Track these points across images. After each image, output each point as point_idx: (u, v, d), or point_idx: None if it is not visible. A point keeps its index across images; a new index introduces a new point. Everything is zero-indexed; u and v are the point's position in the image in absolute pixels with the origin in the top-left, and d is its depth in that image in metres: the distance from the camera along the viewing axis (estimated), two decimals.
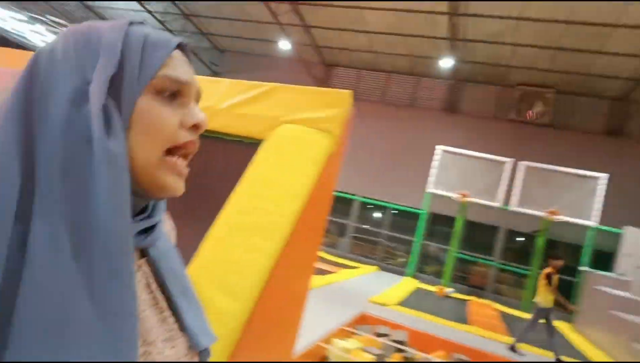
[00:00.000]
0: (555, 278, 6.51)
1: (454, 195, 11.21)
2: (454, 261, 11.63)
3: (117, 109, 0.47)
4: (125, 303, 0.42)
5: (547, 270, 6.57)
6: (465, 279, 13.17)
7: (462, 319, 7.96)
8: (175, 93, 0.51)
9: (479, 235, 13.52)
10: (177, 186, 0.51)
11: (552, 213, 10.51)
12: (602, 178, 10.68)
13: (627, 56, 11.10)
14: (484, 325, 7.65)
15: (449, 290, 10.57)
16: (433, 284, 11.36)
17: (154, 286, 0.53)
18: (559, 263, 6.59)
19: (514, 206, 11.07)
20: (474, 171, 11.35)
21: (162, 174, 0.50)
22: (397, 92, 15.56)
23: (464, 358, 5.49)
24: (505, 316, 9.38)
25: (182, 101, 0.52)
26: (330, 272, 9.37)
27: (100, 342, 0.39)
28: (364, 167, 14.17)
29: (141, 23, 0.53)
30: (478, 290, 12.51)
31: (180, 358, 0.52)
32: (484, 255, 13.18)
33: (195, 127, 0.52)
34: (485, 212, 11.98)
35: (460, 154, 11.51)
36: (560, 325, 9.89)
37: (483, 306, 9.93)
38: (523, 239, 13.58)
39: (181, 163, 0.51)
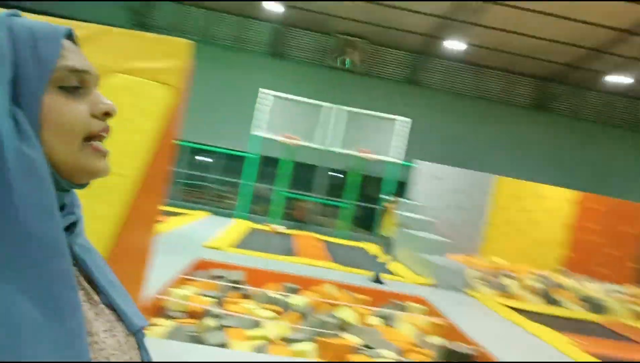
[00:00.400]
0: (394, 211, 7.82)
1: (281, 138, 11.72)
2: (282, 200, 12.39)
3: (23, 112, 0.45)
4: (70, 301, 0.44)
5: (390, 205, 7.82)
6: (292, 215, 14.21)
7: (291, 252, 8.71)
8: (77, 84, 0.51)
9: (302, 173, 14.56)
10: (104, 166, 0.53)
11: (364, 151, 11.95)
12: (404, 120, 12.46)
13: (424, 14, 12.82)
14: (310, 254, 8.52)
15: (278, 227, 11.30)
16: (263, 223, 11.96)
17: (82, 281, 0.54)
18: (395, 200, 7.91)
19: (332, 147, 12.19)
20: (298, 114, 11.99)
21: (87, 159, 0.51)
22: (222, 33, 14.98)
23: (295, 286, 6.12)
24: (327, 245, 10.57)
25: (85, 90, 0.52)
26: (160, 221, 9.02)
27: (52, 341, 0.41)
28: (189, 110, 13.55)
29: (16, 14, 0.50)
30: (303, 224, 13.69)
31: (122, 345, 0.55)
32: (307, 192, 14.35)
33: (105, 114, 0.53)
34: (308, 152, 12.90)
35: (286, 98, 11.95)
36: (366, 245, 11.65)
37: (308, 238, 10.97)
38: (339, 175, 15.15)
39: (100, 145, 0.53)
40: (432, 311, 6.18)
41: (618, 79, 13.26)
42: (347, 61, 15.05)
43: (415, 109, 14.62)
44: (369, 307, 5.89)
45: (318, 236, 11.68)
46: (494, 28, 13.00)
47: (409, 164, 12.89)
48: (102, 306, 0.55)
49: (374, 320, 5.55)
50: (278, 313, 5.11)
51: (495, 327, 5.86)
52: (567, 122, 16.14)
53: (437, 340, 5.16)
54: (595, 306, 8.06)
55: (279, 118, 11.81)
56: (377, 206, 13.02)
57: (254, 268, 6.48)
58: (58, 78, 0.49)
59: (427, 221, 10.63)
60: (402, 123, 12.39)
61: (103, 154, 0.53)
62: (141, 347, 0.60)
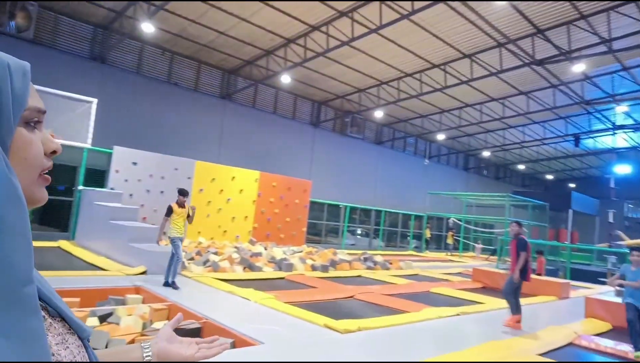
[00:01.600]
0: (183, 211, 7.18)
1: None
2: None
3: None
4: (37, 327, 0.47)
5: (174, 205, 7.16)
6: None
7: None
8: (38, 121, 0.55)
9: None
10: (46, 196, 0.60)
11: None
12: (92, 101, 11.35)
13: None
14: None
15: None
16: None
17: None
18: (183, 199, 7.19)
19: None
20: None
21: (39, 191, 0.57)
22: None
23: None
24: None
25: (39, 127, 0.56)
26: None
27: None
28: None
29: None
30: None
31: (76, 356, 0.57)
32: None
33: (54, 153, 0.59)
34: None
35: None
36: (60, 244, 10.25)
37: None
38: None
39: (48, 177, 0.59)
40: (153, 298, 6.21)
41: (284, 78, 16.15)
42: (11, 24, 12.36)
43: (103, 89, 13.58)
44: (84, 309, 5.39)
45: None
46: (182, 17, 13.43)
47: (105, 150, 11.95)
48: (50, 320, 0.57)
49: (93, 321, 5.15)
50: None
51: (213, 299, 6.44)
52: (247, 111, 18.50)
53: (164, 324, 5.30)
54: (281, 265, 9.87)
55: None
56: (70, 199, 11.51)
57: None
58: (26, 116, 0.53)
59: (130, 209, 10.24)
60: (89, 104, 11.28)
61: (48, 185, 0.59)
62: (91, 354, 0.63)
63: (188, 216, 7.17)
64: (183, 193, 7.24)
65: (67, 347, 0.56)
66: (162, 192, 12.53)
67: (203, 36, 14.74)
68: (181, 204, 7.19)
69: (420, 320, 6.30)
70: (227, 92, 17.71)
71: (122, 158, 12.02)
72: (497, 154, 29.45)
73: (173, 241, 7.00)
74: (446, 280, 11.33)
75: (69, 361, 0.56)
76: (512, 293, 6.63)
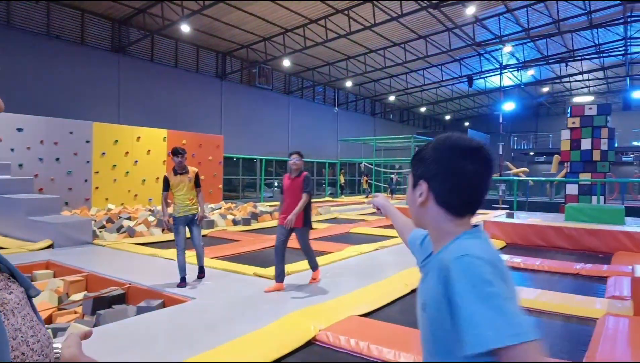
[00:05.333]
0: (182, 178, 5.24)
1: None
2: None
3: None
4: None
5: (169, 173, 5.30)
6: None
7: None
8: None
9: None
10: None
11: None
12: None
13: None
14: None
15: None
16: None
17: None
18: (178, 160, 5.20)
19: None
20: None
21: None
22: None
23: None
24: None
25: None
26: None
27: None
28: None
29: None
30: None
31: (21, 300, 0.61)
32: None
33: None
34: None
35: None
36: None
37: None
38: None
39: None
40: (66, 270, 5.80)
41: (184, 27, 15.10)
42: None
43: None
44: None
45: None
46: None
47: None
48: (28, 309, 0.60)
49: None
50: None
51: (134, 264, 6.19)
52: (146, 65, 17.15)
53: (83, 295, 5.03)
54: (202, 223, 9.68)
55: None
56: None
57: None
58: None
59: (24, 181, 9.24)
60: None
61: None
62: (33, 306, 0.67)
63: (196, 183, 5.30)
64: (175, 152, 5.14)
65: (12, 292, 0.58)
66: (57, 159, 11.41)
67: None
68: (179, 170, 5.16)
69: (343, 258, 6.67)
70: (120, 45, 16.16)
71: (2, 124, 10.62)
72: (401, 98, 30.83)
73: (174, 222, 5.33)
74: (363, 221, 11.99)
75: (15, 305, 0.57)
76: (309, 245, 5.22)
